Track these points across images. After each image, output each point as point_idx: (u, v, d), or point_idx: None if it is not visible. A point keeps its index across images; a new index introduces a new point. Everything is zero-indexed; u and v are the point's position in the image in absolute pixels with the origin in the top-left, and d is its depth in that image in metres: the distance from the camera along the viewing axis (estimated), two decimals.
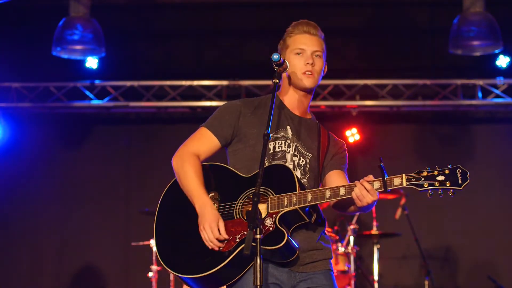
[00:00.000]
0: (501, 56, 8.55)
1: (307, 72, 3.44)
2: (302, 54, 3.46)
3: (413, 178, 3.18)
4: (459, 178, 3.18)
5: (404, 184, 3.17)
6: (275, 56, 3.29)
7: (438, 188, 3.17)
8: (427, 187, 3.17)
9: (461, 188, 3.16)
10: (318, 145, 3.50)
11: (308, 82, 3.45)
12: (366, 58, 9.15)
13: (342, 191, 3.21)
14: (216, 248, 3.24)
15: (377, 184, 3.17)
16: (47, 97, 8.83)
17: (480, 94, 8.68)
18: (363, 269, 8.20)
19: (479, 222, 8.86)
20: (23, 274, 9.08)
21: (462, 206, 8.79)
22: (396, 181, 3.17)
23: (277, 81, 3.32)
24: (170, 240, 3.42)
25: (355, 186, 3.18)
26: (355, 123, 8.90)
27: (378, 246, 7.71)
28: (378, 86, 8.78)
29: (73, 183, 9.21)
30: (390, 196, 7.84)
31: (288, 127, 3.48)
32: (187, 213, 3.40)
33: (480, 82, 8.67)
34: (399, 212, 7.96)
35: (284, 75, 3.52)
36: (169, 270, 3.37)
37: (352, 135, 8.82)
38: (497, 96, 8.69)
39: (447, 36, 7.88)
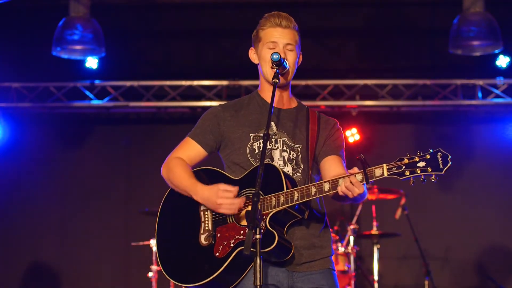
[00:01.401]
0: (501, 56, 8.55)
1: None
2: (274, 48, 3.42)
3: (394, 167, 3.12)
4: (440, 162, 3.08)
5: (385, 174, 3.11)
6: (275, 56, 3.29)
7: (420, 175, 3.09)
8: (409, 175, 3.10)
9: (442, 173, 3.07)
10: (307, 134, 3.47)
11: (282, 77, 3.39)
12: (366, 58, 9.15)
13: (326, 187, 3.19)
14: (240, 205, 3.24)
15: (359, 177, 3.14)
16: (47, 97, 8.83)
17: (480, 94, 8.68)
18: (363, 269, 8.20)
19: (479, 222, 8.86)
20: (23, 274, 9.08)
21: (462, 206, 8.79)
22: (378, 172, 3.12)
23: (277, 81, 3.32)
24: (170, 248, 3.45)
25: (339, 181, 3.16)
26: (355, 123, 8.89)
27: (378, 246, 7.70)
28: (378, 86, 8.78)
29: (73, 183, 9.21)
30: (390, 196, 7.84)
31: (272, 123, 3.45)
32: (186, 219, 3.43)
33: (480, 82, 8.67)
34: (399, 212, 7.96)
35: (260, 71, 3.51)
36: (170, 279, 3.41)
37: (352, 135, 8.82)
38: (497, 96, 8.69)
39: (447, 36, 7.88)
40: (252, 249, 2.85)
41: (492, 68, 8.65)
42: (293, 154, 3.43)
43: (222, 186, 3.28)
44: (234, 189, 3.27)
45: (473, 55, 8.04)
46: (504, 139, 9.04)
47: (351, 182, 3.12)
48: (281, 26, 3.45)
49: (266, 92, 3.52)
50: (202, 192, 3.34)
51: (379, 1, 8.93)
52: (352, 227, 7.58)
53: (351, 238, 7.56)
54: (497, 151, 9.05)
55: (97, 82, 8.77)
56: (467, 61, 8.65)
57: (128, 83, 8.79)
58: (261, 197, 3.25)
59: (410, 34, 9.01)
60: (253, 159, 3.40)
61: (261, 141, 3.42)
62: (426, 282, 7.82)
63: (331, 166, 3.45)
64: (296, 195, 3.21)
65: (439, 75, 8.81)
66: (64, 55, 8.03)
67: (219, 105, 3.58)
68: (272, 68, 3.37)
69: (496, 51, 7.97)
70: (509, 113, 8.99)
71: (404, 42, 9.05)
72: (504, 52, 8.39)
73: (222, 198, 3.25)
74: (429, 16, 8.92)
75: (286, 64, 3.37)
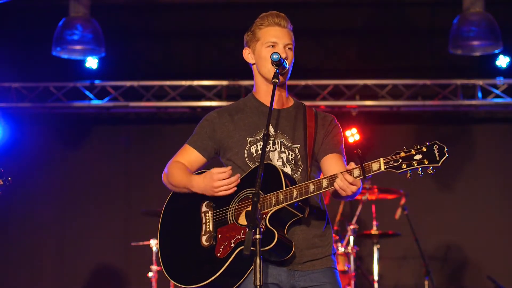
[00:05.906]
0: (501, 56, 8.55)
1: None
2: (275, 47, 3.42)
3: (391, 161, 3.12)
4: (437, 154, 3.14)
5: (383, 168, 3.11)
6: (275, 56, 3.29)
7: (417, 167, 3.11)
8: (406, 168, 3.11)
9: (439, 164, 3.10)
10: (304, 133, 3.46)
11: (281, 77, 3.39)
12: (366, 58, 9.14)
13: (324, 183, 3.18)
14: (234, 187, 3.28)
15: (356, 172, 3.13)
16: (47, 97, 8.83)
17: (480, 94, 8.68)
18: (363, 269, 8.20)
19: (479, 222, 8.86)
20: (23, 274, 9.08)
21: (462, 206, 8.79)
22: (374, 166, 3.12)
23: (277, 81, 3.32)
24: (172, 250, 3.47)
25: (337, 177, 3.15)
26: (355, 123, 8.89)
27: (378, 246, 7.70)
28: (378, 86, 8.78)
29: (73, 183, 9.21)
30: (390, 196, 7.84)
31: (270, 125, 3.44)
32: (187, 221, 3.44)
33: (480, 82, 8.67)
34: (399, 212, 7.95)
35: (256, 72, 3.51)
36: (172, 281, 3.42)
37: (352, 135, 8.81)
38: (497, 96, 8.69)
39: (447, 36, 7.88)
40: (252, 248, 2.85)
41: (492, 68, 8.64)
42: (291, 155, 3.42)
43: (215, 170, 3.31)
44: (228, 169, 3.30)
45: (473, 55, 8.05)
46: (504, 139, 9.04)
47: (346, 180, 3.11)
48: (280, 25, 3.45)
49: (262, 93, 3.52)
50: (198, 182, 3.37)
51: (379, 1, 8.93)
52: (352, 227, 7.57)
53: (351, 238, 7.55)
54: (497, 151, 9.05)
55: (97, 82, 8.77)
56: (467, 61, 8.65)
57: (128, 83, 8.79)
58: (261, 196, 3.25)
59: (410, 34, 9.01)
60: (251, 162, 3.41)
61: (258, 144, 3.42)
62: (426, 282, 7.81)
63: (332, 165, 3.45)
64: (295, 192, 3.20)
65: (439, 75, 8.81)
66: (64, 55, 8.04)
67: (215, 111, 3.58)
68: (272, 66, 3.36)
69: (496, 51, 7.97)
70: (509, 113, 9.00)
71: (404, 42, 9.05)
72: (504, 52, 8.39)
73: (218, 180, 3.28)
74: (429, 16, 8.92)
75: (286, 64, 3.37)
